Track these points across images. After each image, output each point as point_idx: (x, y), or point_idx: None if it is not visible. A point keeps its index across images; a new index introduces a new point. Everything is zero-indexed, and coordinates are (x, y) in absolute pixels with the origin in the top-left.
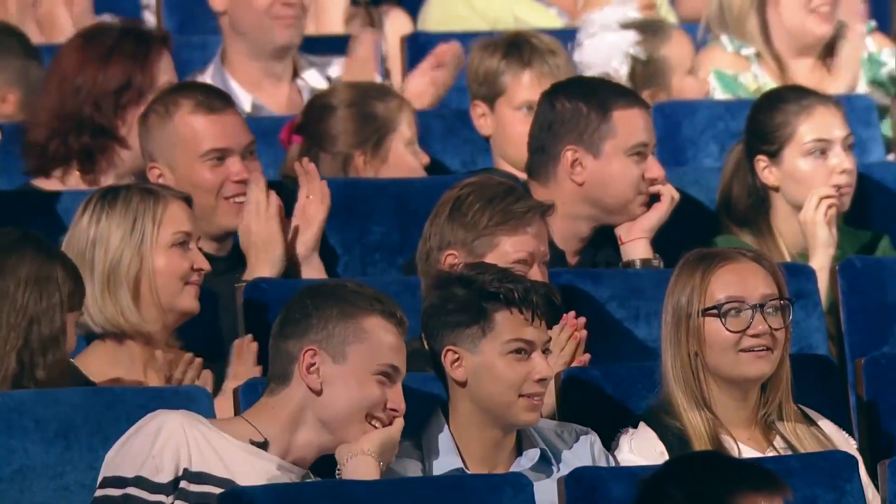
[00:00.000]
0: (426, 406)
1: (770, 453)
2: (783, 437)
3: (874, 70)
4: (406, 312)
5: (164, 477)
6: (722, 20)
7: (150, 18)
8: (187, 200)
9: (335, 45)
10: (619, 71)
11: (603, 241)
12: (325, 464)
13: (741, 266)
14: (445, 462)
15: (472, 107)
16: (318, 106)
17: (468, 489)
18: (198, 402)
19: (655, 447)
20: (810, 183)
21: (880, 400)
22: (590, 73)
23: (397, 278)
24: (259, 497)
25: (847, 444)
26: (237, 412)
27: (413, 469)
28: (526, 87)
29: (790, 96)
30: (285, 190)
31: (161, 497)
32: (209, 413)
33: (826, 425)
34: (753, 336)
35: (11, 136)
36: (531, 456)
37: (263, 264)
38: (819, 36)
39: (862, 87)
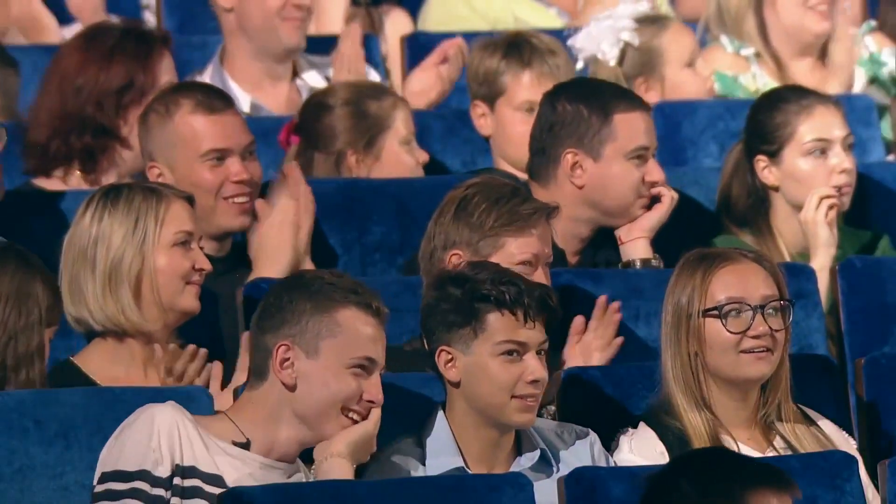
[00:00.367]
0: (426, 406)
1: (770, 453)
2: (783, 437)
3: (874, 70)
4: (406, 312)
5: (164, 471)
6: (720, 21)
7: (150, 18)
8: (190, 200)
9: (335, 46)
10: (608, 54)
11: (603, 241)
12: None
13: (742, 267)
14: (446, 461)
15: (472, 107)
16: (314, 105)
17: (468, 489)
18: (198, 402)
19: (655, 447)
20: (810, 183)
21: (880, 400)
22: (581, 56)
23: (397, 278)
24: (259, 497)
25: (847, 443)
26: None
27: (414, 468)
28: (526, 87)
29: (790, 96)
30: None
31: (161, 491)
32: (209, 413)
33: (826, 425)
34: (754, 337)
35: (11, 136)
36: (531, 456)
37: (271, 272)
38: (818, 33)
39: (861, 87)
